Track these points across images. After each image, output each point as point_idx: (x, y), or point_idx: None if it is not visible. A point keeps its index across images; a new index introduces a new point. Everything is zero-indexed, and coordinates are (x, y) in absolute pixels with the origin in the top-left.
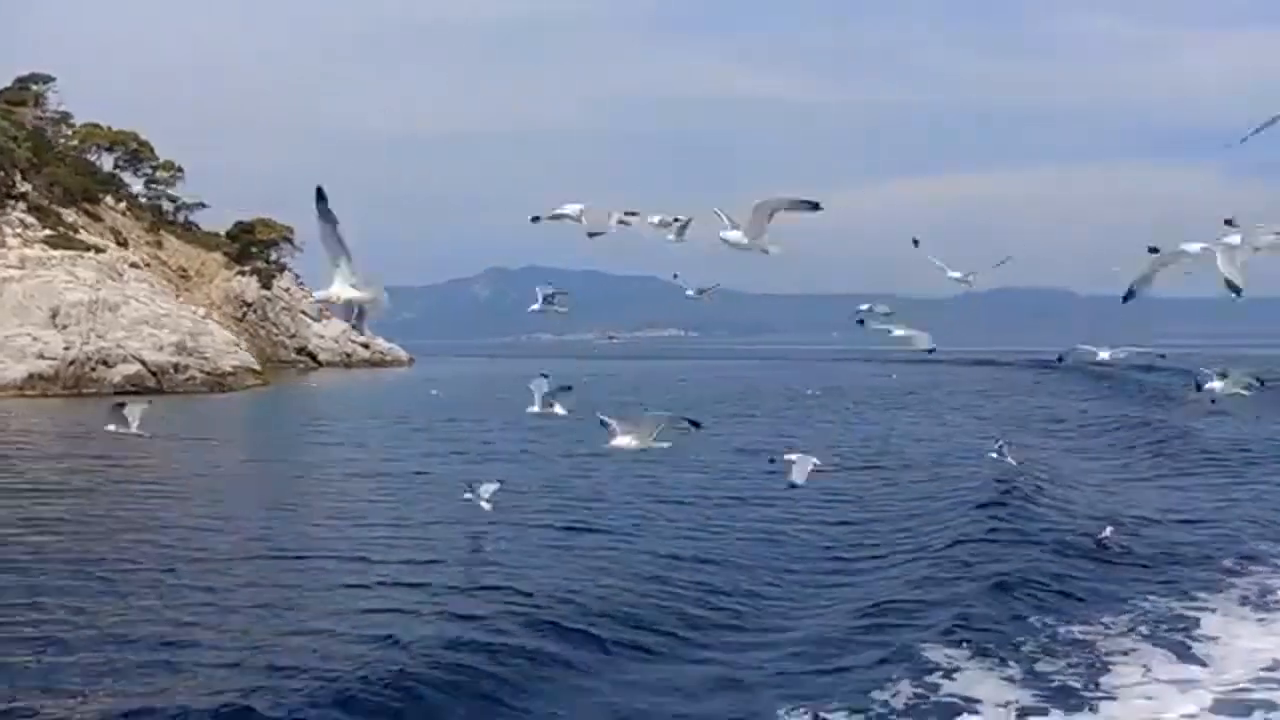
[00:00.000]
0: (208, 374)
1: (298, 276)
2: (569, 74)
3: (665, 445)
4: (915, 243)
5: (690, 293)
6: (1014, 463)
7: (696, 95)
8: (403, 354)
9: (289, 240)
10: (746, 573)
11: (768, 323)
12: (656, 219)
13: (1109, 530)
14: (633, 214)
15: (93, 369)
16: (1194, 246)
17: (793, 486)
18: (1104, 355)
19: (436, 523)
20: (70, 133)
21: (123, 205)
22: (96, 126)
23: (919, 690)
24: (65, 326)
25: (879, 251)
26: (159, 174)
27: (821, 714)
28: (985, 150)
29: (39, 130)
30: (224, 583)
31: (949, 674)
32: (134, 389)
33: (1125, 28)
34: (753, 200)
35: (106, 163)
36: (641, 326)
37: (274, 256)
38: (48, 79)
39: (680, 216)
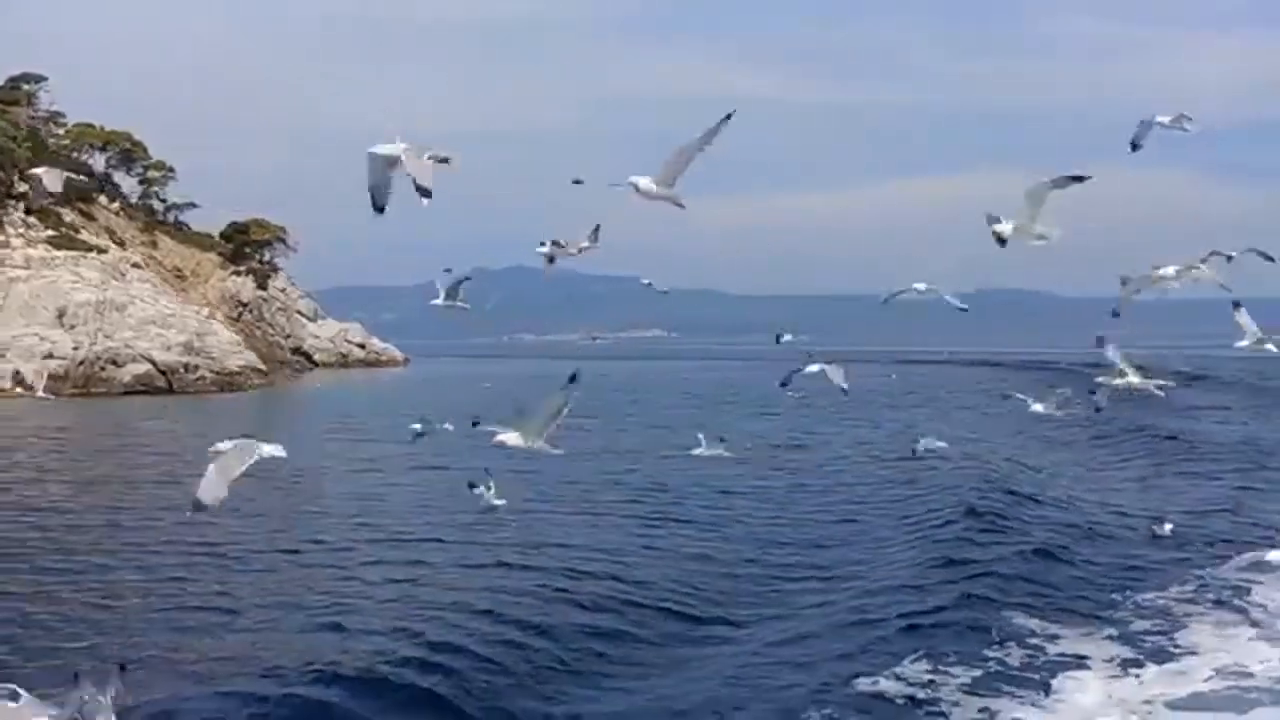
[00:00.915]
0: (217, 374)
1: (290, 278)
2: (568, 74)
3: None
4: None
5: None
6: (944, 444)
7: (696, 95)
8: (398, 354)
9: (283, 240)
10: (837, 547)
11: (750, 323)
12: (584, 244)
13: (1168, 526)
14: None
15: (102, 369)
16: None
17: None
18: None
19: (527, 512)
20: (62, 132)
21: (116, 205)
22: (89, 126)
23: (1026, 650)
24: (73, 326)
25: (868, 252)
26: (150, 174)
27: (942, 667)
28: (978, 150)
29: (34, 130)
30: (351, 561)
31: (1033, 627)
32: (144, 389)
33: (1122, 28)
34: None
35: (98, 162)
36: (624, 327)
37: (268, 257)
38: (40, 78)
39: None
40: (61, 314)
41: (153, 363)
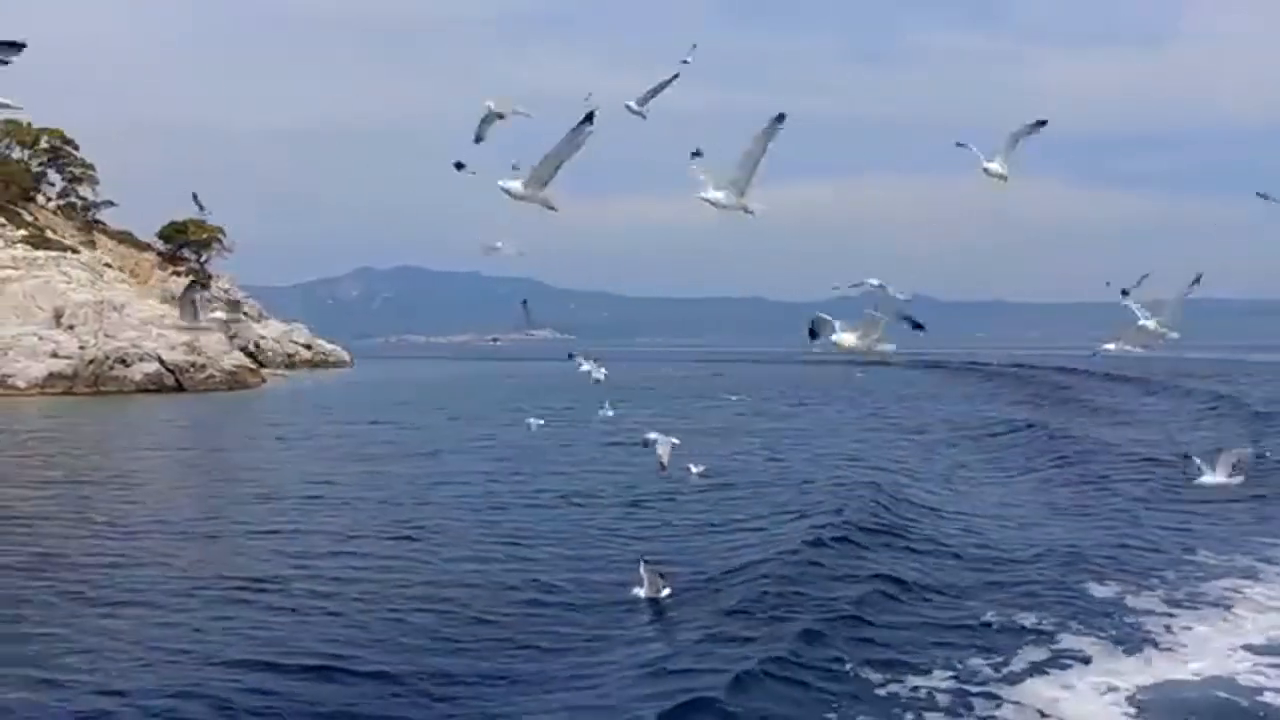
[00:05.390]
0: (221, 371)
1: (232, 277)
2: (451, 71)
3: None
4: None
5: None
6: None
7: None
8: (345, 355)
9: (220, 241)
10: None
11: (641, 325)
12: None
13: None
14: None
15: (111, 368)
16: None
17: None
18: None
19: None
20: None
21: (54, 205)
22: (16, 123)
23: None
24: (72, 326)
25: (757, 255)
26: (72, 170)
27: (1028, 655)
28: (862, 156)
29: None
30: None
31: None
32: (155, 388)
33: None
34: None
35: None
36: (513, 329)
37: (204, 257)
38: None
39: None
40: (59, 314)
41: (161, 361)
